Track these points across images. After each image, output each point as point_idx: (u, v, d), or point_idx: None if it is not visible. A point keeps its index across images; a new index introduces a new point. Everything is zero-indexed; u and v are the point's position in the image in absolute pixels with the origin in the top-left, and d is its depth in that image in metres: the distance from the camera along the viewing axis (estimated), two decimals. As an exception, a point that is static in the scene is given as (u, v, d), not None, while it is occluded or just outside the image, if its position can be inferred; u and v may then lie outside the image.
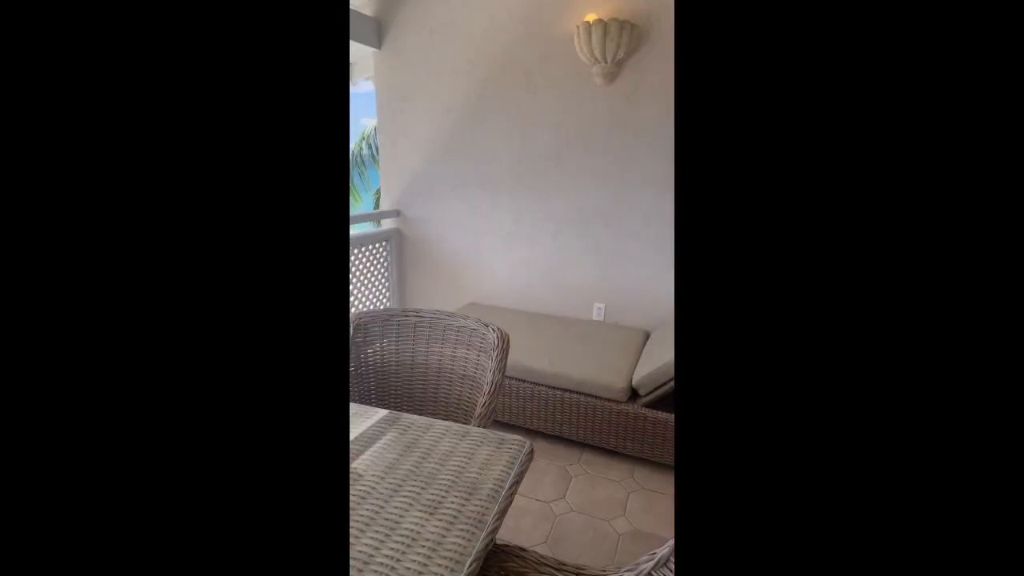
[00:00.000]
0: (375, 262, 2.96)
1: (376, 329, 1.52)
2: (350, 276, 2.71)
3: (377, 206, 8.86)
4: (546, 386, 2.14)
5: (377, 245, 2.95)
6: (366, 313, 1.52)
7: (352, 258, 2.73)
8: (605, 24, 2.20)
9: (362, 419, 1.07)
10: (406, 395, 1.52)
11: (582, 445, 2.16)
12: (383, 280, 3.05)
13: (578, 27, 2.29)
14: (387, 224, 3.10)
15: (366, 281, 2.90)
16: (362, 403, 1.46)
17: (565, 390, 2.11)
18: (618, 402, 2.03)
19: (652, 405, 1.99)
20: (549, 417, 2.16)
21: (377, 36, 2.80)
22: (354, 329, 1.50)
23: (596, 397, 2.06)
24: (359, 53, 3.02)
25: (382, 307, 3.12)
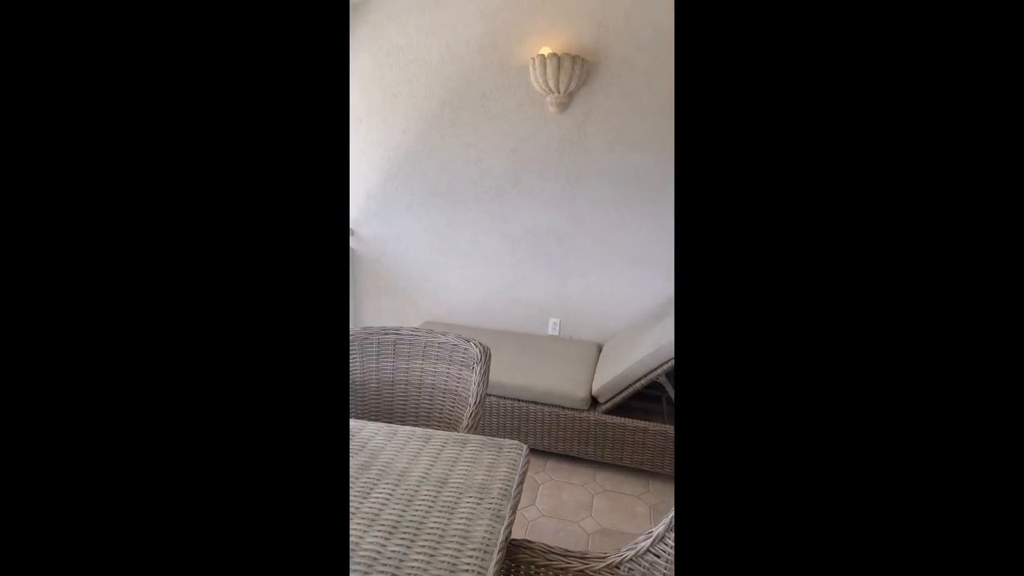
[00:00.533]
0: (330, 281, 2.93)
1: (355, 347, 1.55)
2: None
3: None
4: (511, 399, 2.22)
5: (332, 264, 2.93)
6: (345, 331, 1.55)
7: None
8: (559, 58, 2.37)
9: (363, 432, 1.11)
10: (386, 410, 1.55)
11: (546, 453, 2.26)
12: (337, 299, 3.02)
13: (533, 59, 2.45)
14: (341, 243, 3.08)
15: (321, 300, 2.86)
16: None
17: (529, 402, 2.21)
18: (579, 411, 2.15)
19: (611, 412, 2.13)
20: (514, 428, 2.24)
21: (332, 57, 2.82)
22: (334, 348, 1.52)
23: (558, 407, 2.17)
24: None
25: (338, 326, 3.08)
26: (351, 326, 3.18)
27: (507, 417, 2.24)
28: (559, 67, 2.38)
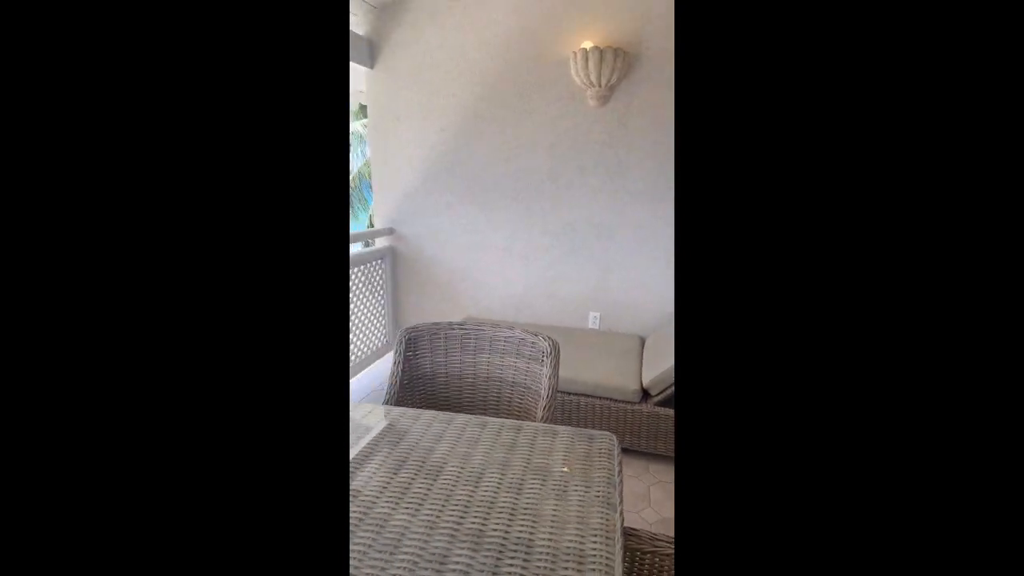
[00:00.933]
0: (372, 280, 2.96)
1: (425, 343, 1.57)
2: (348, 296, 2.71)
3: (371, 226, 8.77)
4: (561, 392, 2.24)
5: (373, 263, 2.96)
6: (413, 328, 1.57)
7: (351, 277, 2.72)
8: (601, 51, 2.37)
9: (454, 425, 1.13)
10: (455, 403, 1.57)
11: (597, 446, 2.27)
12: (379, 297, 3.06)
13: (574, 53, 2.44)
14: (380, 243, 3.12)
15: (363, 299, 2.90)
16: (415, 414, 1.50)
17: (579, 394, 2.22)
18: (631, 403, 2.16)
19: (663, 404, 2.13)
20: (565, 421, 2.26)
21: (370, 56, 2.84)
22: (405, 343, 1.54)
23: (609, 400, 2.18)
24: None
25: (382, 323, 3.12)
26: (391, 324, 3.22)
27: (557, 410, 2.26)
28: (601, 60, 2.38)
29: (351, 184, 8.66)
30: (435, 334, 1.58)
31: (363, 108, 8.73)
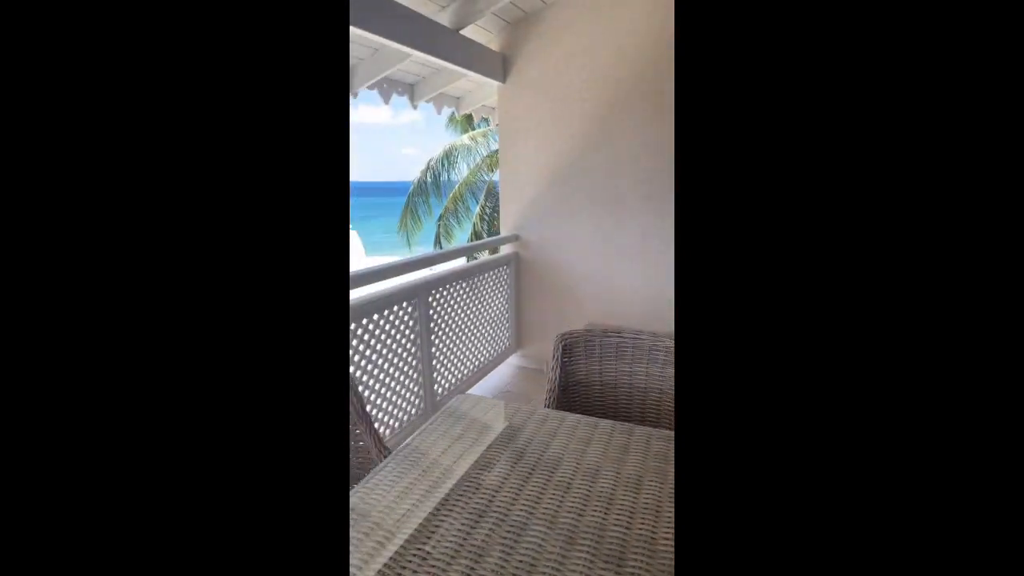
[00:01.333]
0: (497, 286, 3.05)
1: (580, 350, 1.57)
2: (474, 301, 2.80)
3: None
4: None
5: (499, 269, 3.04)
6: (568, 333, 1.58)
7: (475, 283, 2.81)
8: (748, 47, 2.24)
9: (637, 436, 1.10)
10: (611, 411, 1.55)
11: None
12: (503, 302, 3.14)
13: (717, 51, 2.34)
14: (505, 249, 3.20)
15: (488, 304, 2.99)
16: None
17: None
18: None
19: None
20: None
21: (502, 70, 2.94)
22: (561, 350, 1.56)
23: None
24: (470, 85, 3.17)
25: (506, 328, 3.20)
26: (514, 329, 3.28)
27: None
28: (748, 56, 2.25)
29: (457, 193, 9.08)
30: (589, 341, 1.57)
31: (479, 121, 9.08)
